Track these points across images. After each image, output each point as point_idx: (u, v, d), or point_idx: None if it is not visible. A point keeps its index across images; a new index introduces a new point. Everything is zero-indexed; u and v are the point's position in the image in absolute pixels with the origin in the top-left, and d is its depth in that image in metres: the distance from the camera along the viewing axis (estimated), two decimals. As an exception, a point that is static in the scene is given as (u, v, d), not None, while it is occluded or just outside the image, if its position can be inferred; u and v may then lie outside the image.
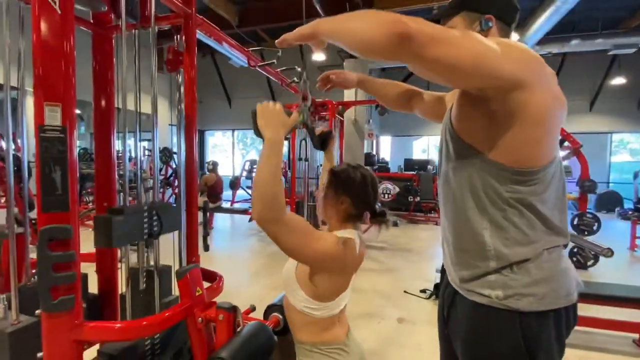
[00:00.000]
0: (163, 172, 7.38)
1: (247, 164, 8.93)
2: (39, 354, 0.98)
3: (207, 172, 6.01)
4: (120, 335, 1.06)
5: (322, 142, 1.13)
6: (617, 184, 9.44)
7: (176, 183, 7.40)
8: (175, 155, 7.42)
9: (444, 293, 0.94)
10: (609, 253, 3.39)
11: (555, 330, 0.72)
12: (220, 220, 6.74)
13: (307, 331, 0.93)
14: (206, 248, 1.93)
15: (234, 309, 1.09)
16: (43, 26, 0.93)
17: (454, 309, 0.85)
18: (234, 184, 8.23)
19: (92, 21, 1.62)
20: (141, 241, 1.30)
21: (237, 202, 8.19)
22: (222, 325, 1.08)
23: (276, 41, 0.82)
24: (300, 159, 4.22)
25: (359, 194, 0.94)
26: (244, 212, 5.70)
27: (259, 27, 7.64)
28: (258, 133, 0.81)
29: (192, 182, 1.56)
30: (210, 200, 5.41)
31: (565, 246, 0.81)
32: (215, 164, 5.79)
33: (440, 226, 0.92)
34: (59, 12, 0.94)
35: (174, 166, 7.38)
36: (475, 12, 0.78)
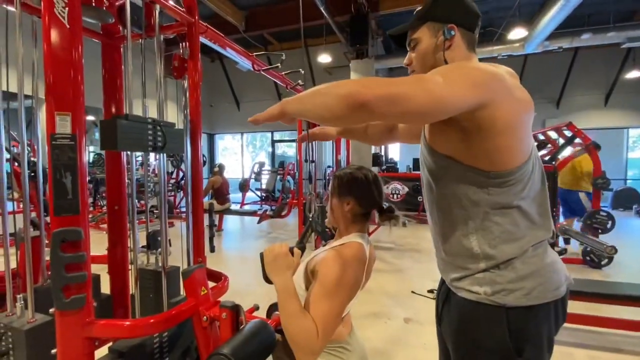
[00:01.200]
0: (174, 175, 7.53)
1: (256, 166, 9.03)
2: (53, 351, 1.03)
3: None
4: (129, 333, 1.11)
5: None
6: (634, 180, 9.16)
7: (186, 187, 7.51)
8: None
9: (439, 291, 0.96)
10: (612, 251, 3.32)
11: (544, 324, 0.73)
12: (231, 222, 6.84)
13: None
14: (212, 249, 1.97)
15: (236, 308, 1.13)
16: (53, 39, 0.98)
17: (447, 306, 0.87)
18: (244, 186, 8.33)
19: (101, 32, 1.69)
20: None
21: (247, 204, 8.28)
22: (225, 323, 1.12)
23: (249, 119, 0.90)
24: (306, 161, 4.25)
25: (363, 193, 0.97)
26: (252, 213, 5.77)
27: (265, 31, 7.73)
28: (267, 280, 0.86)
29: (197, 185, 1.60)
30: (218, 202, 5.49)
31: (553, 240, 0.82)
32: (221, 167, 5.89)
33: (430, 228, 0.94)
34: (68, 26, 1.00)
35: (184, 170, 7.51)
36: (438, 22, 0.81)
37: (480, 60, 0.82)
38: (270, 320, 1.21)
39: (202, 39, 2.13)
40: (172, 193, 7.49)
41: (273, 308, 1.27)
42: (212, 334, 1.20)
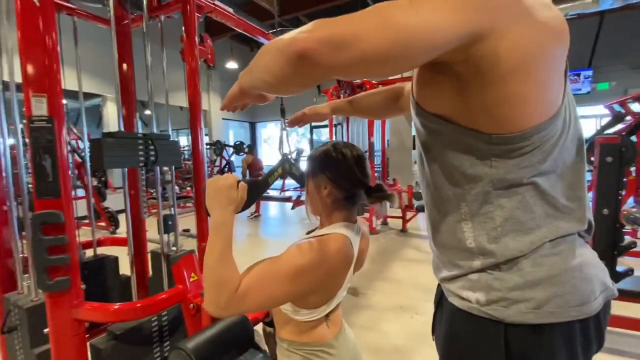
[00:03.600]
0: (217, 163, 7.87)
1: (295, 153, 9.09)
2: (45, 330, 1.06)
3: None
4: (114, 317, 1.11)
5: None
6: None
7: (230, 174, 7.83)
8: (227, 148, 7.85)
9: (436, 293, 0.77)
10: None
11: (562, 353, 0.52)
12: (272, 208, 6.99)
13: (287, 330, 0.82)
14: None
15: (217, 297, 1.06)
16: (24, 19, 0.96)
17: (439, 313, 0.69)
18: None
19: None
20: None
21: (287, 190, 8.40)
22: (205, 312, 1.06)
23: (220, 107, 0.80)
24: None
25: (340, 173, 0.80)
26: (287, 200, 5.82)
27: (300, 13, 7.56)
28: (207, 213, 0.74)
29: (198, 168, 1.56)
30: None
31: (588, 234, 0.58)
32: (250, 147, 6.36)
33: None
34: (37, 4, 0.97)
35: (227, 158, 7.82)
36: None
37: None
38: (255, 312, 1.14)
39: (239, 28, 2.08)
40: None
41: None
42: (203, 322, 1.15)
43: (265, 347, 1.16)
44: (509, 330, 0.52)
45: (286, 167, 0.91)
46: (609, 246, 1.32)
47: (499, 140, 0.51)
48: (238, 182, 0.74)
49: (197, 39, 1.63)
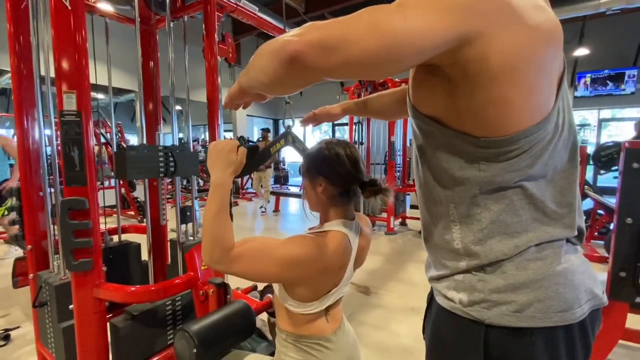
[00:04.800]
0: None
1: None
2: (70, 306, 1.16)
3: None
4: (130, 298, 1.19)
5: None
6: None
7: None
8: (250, 143, 8.02)
9: (429, 293, 0.78)
10: None
11: (544, 357, 0.51)
12: (292, 205, 7.08)
13: (287, 322, 0.85)
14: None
15: (223, 285, 1.11)
16: (56, 21, 1.05)
17: (429, 313, 0.70)
18: (305, 170, 8.51)
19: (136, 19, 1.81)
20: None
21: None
22: (212, 299, 1.12)
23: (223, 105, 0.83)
24: (355, 143, 4.08)
25: (333, 169, 0.82)
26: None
27: (325, 10, 7.56)
28: (207, 173, 0.80)
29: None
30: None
31: (579, 241, 0.57)
32: (266, 131, 6.17)
33: None
34: (69, 7, 1.06)
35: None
36: None
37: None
38: (260, 303, 1.18)
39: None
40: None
41: (267, 290, 1.24)
42: (210, 308, 1.22)
43: (270, 336, 1.20)
44: (489, 332, 0.53)
45: (289, 139, 0.94)
46: (632, 257, 1.25)
47: (486, 143, 0.51)
48: (238, 146, 0.79)
49: (217, 38, 1.70)
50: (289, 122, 0.98)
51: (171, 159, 1.35)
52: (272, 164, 5.73)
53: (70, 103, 1.09)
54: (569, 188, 0.54)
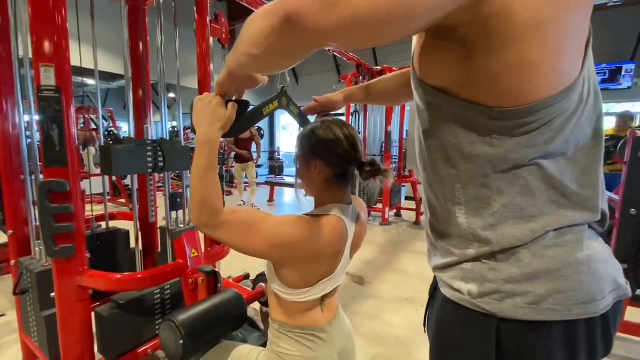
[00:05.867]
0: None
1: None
2: (52, 294, 1.11)
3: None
4: (115, 286, 1.13)
5: None
6: None
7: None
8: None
9: (431, 284, 0.73)
10: None
11: (561, 354, 0.47)
12: (288, 195, 7.03)
13: (280, 312, 0.81)
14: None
15: (214, 274, 1.07)
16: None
17: (432, 304, 0.65)
18: (300, 160, 8.45)
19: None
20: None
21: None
22: (201, 288, 1.07)
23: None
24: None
25: (329, 149, 0.77)
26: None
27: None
28: (193, 130, 0.73)
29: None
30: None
31: (601, 226, 0.52)
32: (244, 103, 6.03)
33: None
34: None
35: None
36: None
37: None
38: (252, 292, 1.14)
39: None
40: (233, 164, 7.96)
41: (259, 279, 1.20)
42: (200, 297, 1.17)
43: (262, 326, 1.16)
44: (501, 326, 0.48)
45: (283, 102, 0.86)
46: (634, 249, 1.22)
47: (501, 114, 0.45)
48: (228, 101, 0.72)
49: (210, 17, 1.61)
50: (283, 83, 0.90)
51: (160, 153, 1.30)
52: (258, 160, 5.50)
53: (48, 77, 1.01)
54: (592, 167, 0.49)
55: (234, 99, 0.74)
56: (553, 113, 0.45)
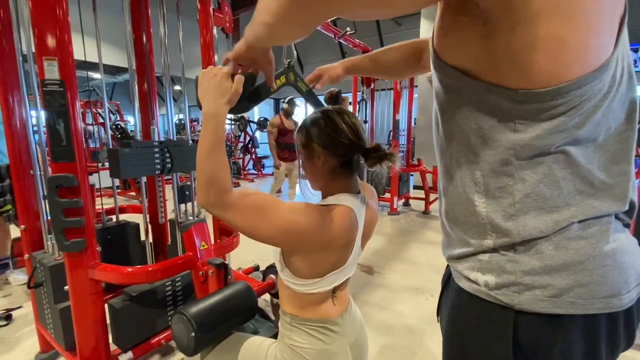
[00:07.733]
0: (242, 139, 7.95)
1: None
2: (65, 287, 1.12)
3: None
4: (127, 279, 1.14)
5: (335, 104, 0.95)
6: None
7: (253, 149, 7.96)
8: (251, 124, 7.88)
9: (445, 273, 0.71)
10: None
11: (580, 349, 0.45)
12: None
13: (291, 304, 0.81)
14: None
15: (223, 266, 1.06)
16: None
17: (445, 294, 0.63)
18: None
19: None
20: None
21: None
22: (211, 280, 1.07)
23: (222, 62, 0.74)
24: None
25: (332, 139, 0.74)
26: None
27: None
28: (199, 105, 0.70)
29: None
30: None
31: (629, 217, 0.49)
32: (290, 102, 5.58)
33: None
34: (45, -38, 0.95)
35: (251, 133, 7.88)
36: None
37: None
38: (262, 283, 1.14)
39: None
40: (241, 155, 7.97)
41: (269, 270, 1.19)
42: (210, 289, 1.17)
43: (273, 317, 1.16)
44: (519, 318, 0.46)
45: (290, 77, 0.83)
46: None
47: (526, 97, 0.42)
48: (234, 74, 0.69)
49: (213, 5, 1.58)
50: (290, 57, 0.87)
51: (167, 154, 1.29)
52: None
53: (51, 71, 1.00)
54: (623, 154, 0.46)
55: (242, 72, 0.71)
56: (583, 95, 0.41)
